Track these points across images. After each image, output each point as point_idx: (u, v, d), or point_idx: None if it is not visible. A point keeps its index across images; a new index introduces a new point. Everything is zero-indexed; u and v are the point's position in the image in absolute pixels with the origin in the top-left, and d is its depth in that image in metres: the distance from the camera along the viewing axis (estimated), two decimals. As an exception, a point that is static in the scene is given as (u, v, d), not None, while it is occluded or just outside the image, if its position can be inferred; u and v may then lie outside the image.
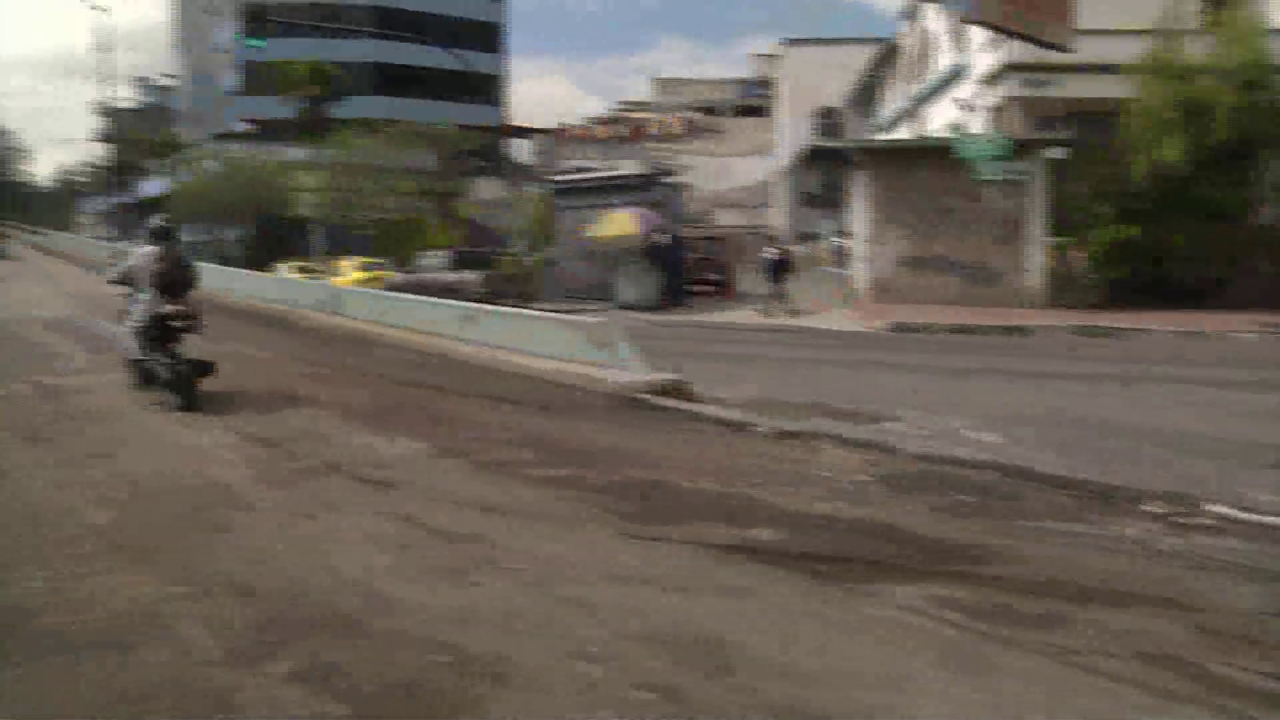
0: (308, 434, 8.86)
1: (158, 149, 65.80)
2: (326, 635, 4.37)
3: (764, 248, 26.22)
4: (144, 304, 10.19)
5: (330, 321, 18.03)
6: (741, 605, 4.67)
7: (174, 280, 10.34)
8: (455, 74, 54.86)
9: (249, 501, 6.64)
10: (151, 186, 56.68)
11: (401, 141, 40.27)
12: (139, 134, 74.17)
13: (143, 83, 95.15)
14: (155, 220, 11.05)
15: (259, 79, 57.31)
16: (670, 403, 9.85)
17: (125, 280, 10.61)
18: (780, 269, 23.37)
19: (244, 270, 28.47)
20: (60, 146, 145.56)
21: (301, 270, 29.95)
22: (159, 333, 10.10)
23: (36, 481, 7.20)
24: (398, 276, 26.89)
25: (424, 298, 16.85)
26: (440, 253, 28.40)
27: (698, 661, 4.05)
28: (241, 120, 57.97)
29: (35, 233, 67.47)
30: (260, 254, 37.16)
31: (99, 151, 74.53)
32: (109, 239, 52.63)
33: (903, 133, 36.41)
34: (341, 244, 36.69)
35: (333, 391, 11.28)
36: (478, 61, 57.31)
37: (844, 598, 4.77)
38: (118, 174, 66.96)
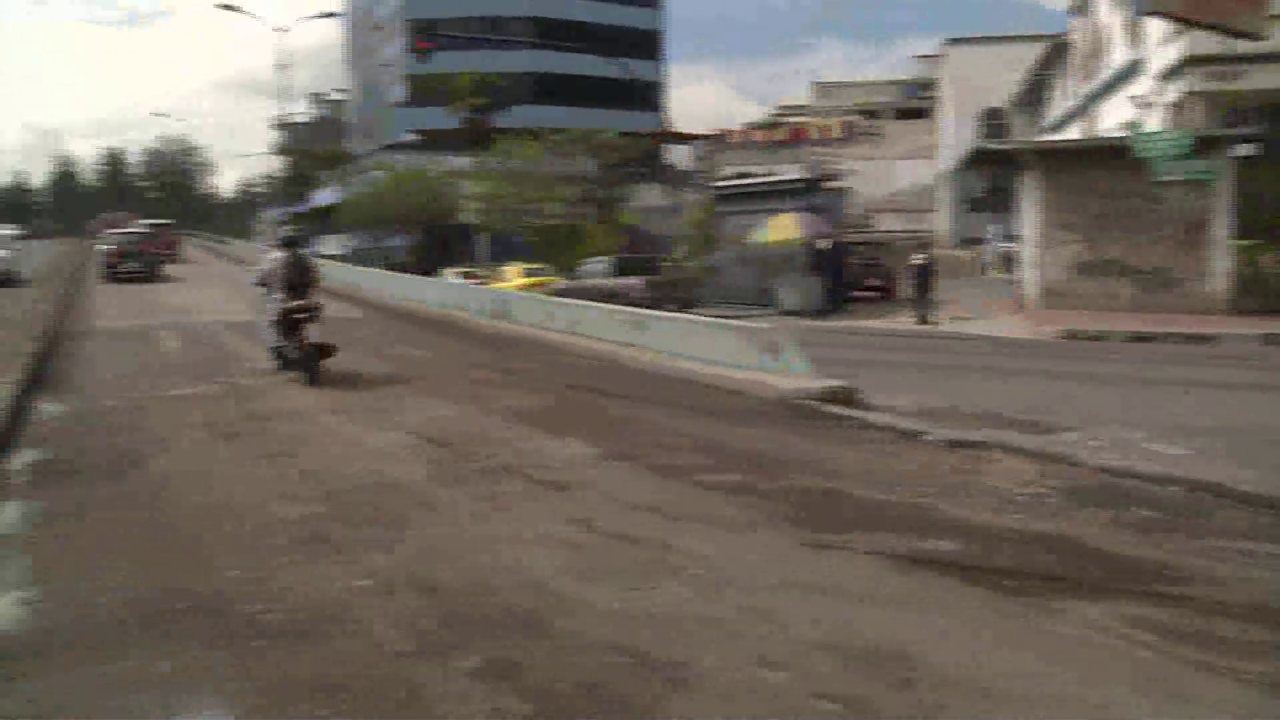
0: (480, 435, 9.09)
1: (329, 160, 68.79)
2: (507, 633, 4.46)
3: (911, 255, 25.66)
4: (276, 301, 12.25)
5: (497, 326, 18.45)
6: (923, 617, 4.57)
7: (299, 281, 12.38)
8: (615, 81, 55.60)
9: (426, 500, 6.85)
10: (323, 196, 59.17)
11: (563, 149, 40.88)
12: (312, 147, 77.61)
13: (317, 98, 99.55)
14: (284, 231, 13.98)
15: (425, 91, 59.26)
16: (838, 409, 9.74)
17: (262, 282, 12.69)
18: (925, 276, 22.76)
19: (411, 275, 29.43)
20: (242, 160, 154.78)
21: (466, 276, 30.76)
22: (288, 324, 12.16)
23: (232, 477, 7.63)
24: (561, 282, 27.24)
25: (590, 303, 17.06)
26: (602, 259, 28.64)
27: (880, 673, 3.98)
28: (408, 131, 59.85)
29: (218, 240, 71.49)
30: (427, 261, 38.38)
31: (276, 164, 78.24)
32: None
33: (1073, 133, 35.00)
34: (505, 250, 37.45)
35: (504, 394, 11.54)
36: (637, 69, 57.87)
37: (1029, 613, 4.61)
38: (293, 185, 70.13)
